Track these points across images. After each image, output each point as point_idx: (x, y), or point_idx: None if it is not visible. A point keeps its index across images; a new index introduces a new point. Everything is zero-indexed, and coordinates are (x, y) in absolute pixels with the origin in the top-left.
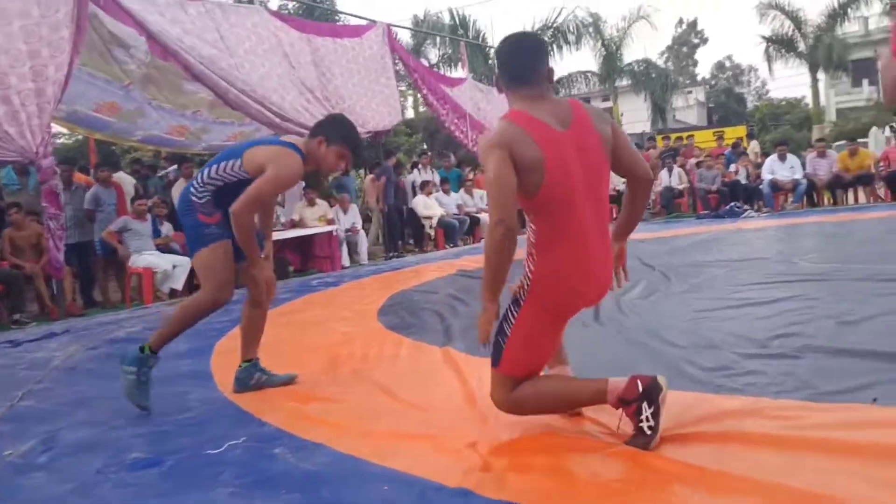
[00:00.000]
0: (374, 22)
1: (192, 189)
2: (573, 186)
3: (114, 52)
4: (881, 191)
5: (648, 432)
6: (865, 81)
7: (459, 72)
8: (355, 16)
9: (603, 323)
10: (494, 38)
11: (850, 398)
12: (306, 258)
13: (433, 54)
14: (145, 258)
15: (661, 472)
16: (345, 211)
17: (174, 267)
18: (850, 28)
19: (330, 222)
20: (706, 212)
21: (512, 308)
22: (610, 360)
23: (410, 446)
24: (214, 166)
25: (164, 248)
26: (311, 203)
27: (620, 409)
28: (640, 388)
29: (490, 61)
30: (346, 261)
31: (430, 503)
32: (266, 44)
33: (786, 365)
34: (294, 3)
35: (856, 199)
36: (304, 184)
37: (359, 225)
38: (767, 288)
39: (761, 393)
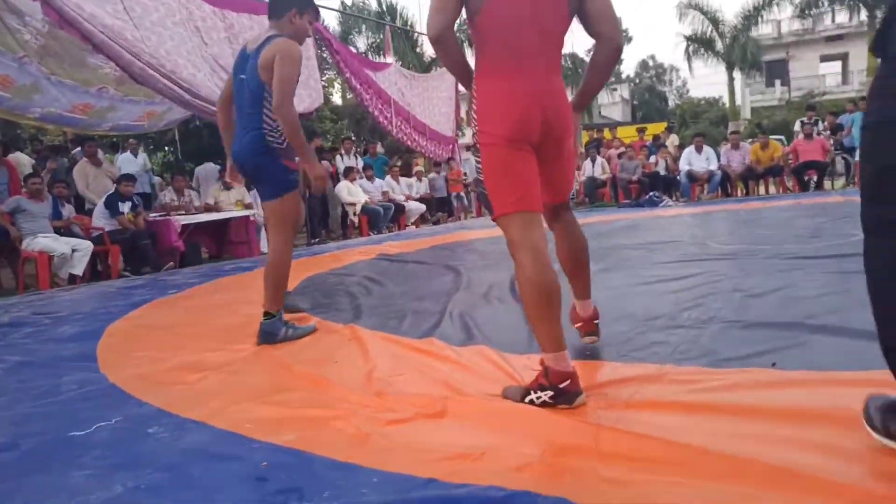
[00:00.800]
0: None
1: (266, 129)
2: (516, 20)
3: (6, 20)
4: (790, 182)
5: (524, 397)
6: (778, 82)
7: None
8: None
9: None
10: (423, 26)
11: (751, 363)
12: (221, 244)
13: (361, 43)
14: (40, 241)
15: (556, 437)
16: None
17: (73, 251)
18: (764, 30)
19: (247, 207)
20: (627, 201)
21: (476, 157)
22: (519, 328)
23: (301, 422)
24: (262, 105)
25: (64, 231)
26: (227, 186)
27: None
28: (562, 387)
29: (418, 49)
30: (264, 247)
31: (312, 476)
32: (176, 16)
33: (691, 334)
34: None
35: (766, 190)
36: (220, 167)
37: None
38: (679, 267)
39: (665, 361)
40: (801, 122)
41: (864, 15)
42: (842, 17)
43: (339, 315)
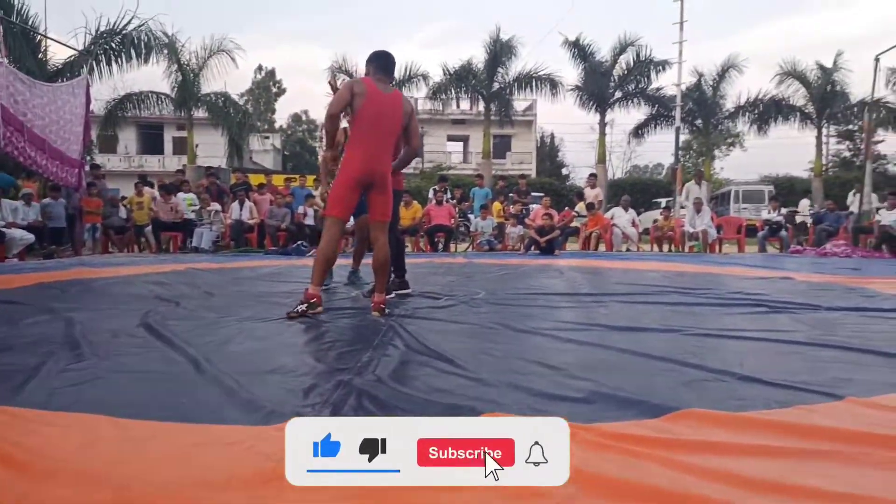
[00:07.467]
0: None
1: None
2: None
3: None
4: (423, 242)
5: (295, 308)
6: None
7: None
8: None
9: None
10: (48, 27)
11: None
12: None
13: None
14: None
15: None
16: None
17: None
18: None
19: None
20: (274, 248)
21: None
22: (144, 387)
23: None
24: None
25: None
26: None
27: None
28: (312, 300)
29: (41, 56)
30: None
31: None
32: None
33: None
34: None
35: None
36: None
37: None
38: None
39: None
40: (434, 189)
41: (481, 105)
42: (465, 104)
43: None
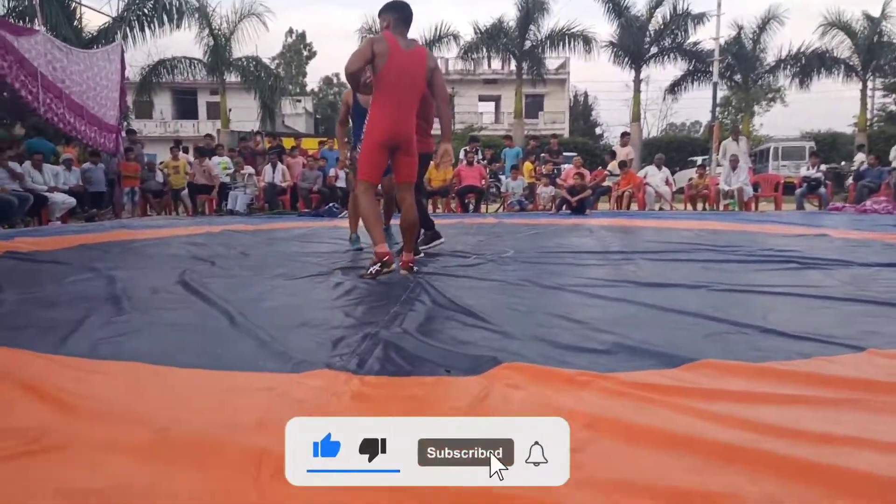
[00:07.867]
0: None
1: None
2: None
3: None
4: (454, 203)
5: (369, 270)
6: None
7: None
8: None
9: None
10: None
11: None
12: None
13: None
14: None
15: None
16: None
17: None
18: None
19: None
20: (307, 210)
21: None
22: (182, 338)
23: None
24: None
25: None
26: None
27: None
28: (385, 261)
29: (76, 23)
30: None
31: None
32: None
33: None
34: None
35: (434, 209)
36: None
37: None
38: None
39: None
40: (465, 150)
41: (513, 65)
42: (496, 64)
43: None
